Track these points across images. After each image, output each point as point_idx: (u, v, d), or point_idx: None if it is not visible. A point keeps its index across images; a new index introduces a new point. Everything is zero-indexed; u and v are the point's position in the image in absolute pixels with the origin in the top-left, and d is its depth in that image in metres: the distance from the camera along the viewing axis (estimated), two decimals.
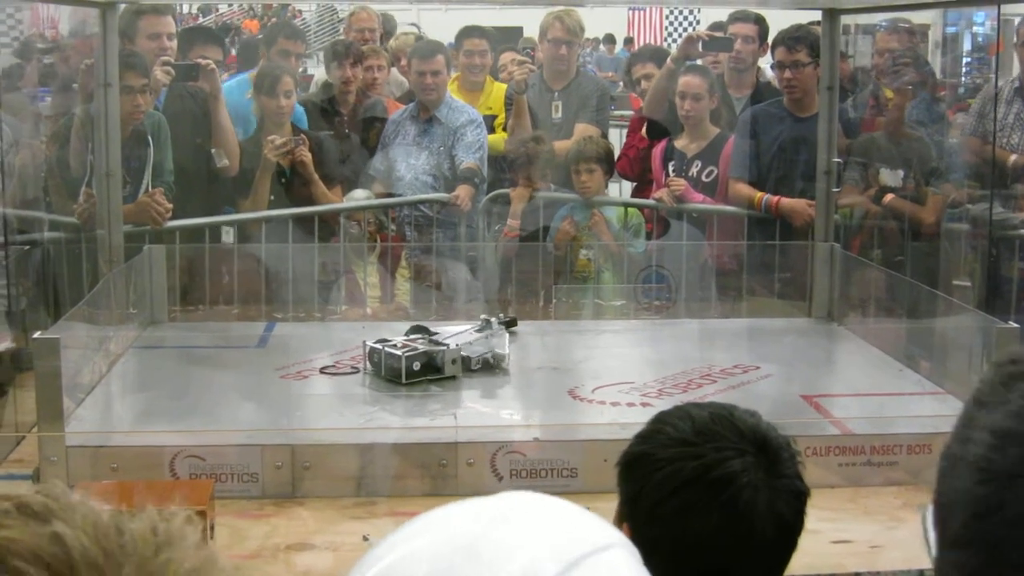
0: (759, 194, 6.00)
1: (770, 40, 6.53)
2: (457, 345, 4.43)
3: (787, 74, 5.96)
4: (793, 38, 5.95)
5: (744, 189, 6.04)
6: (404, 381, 4.35)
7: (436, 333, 4.68)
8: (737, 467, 1.93)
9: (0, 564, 0.94)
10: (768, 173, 6.04)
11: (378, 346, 4.45)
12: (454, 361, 4.37)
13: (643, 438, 2.04)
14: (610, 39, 19.16)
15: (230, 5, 18.13)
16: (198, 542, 1.03)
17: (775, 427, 2.05)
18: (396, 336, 4.61)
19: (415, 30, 8.66)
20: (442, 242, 6.24)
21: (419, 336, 4.55)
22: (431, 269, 6.18)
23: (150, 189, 5.59)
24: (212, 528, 2.99)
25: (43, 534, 0.96)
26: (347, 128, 6.47)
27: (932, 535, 1.18)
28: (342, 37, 7.84)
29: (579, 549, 1.12)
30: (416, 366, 4.35)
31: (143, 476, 3.66)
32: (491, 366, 4.56)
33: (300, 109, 6.37)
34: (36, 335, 3.83)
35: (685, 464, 1.95)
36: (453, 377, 4.38)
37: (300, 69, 6.82)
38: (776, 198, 5.96)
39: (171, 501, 2.95)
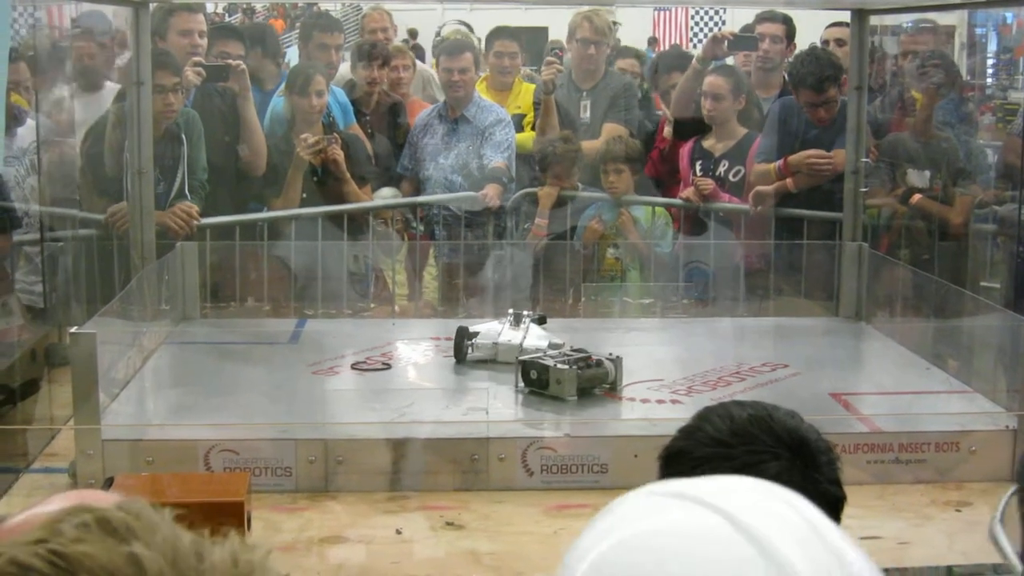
0: (772, 165, 6.01)
1: (796, 42, 6.55)
2: (571, 367, 4.30)
3: (821, 113, 5.91)
4: (820, 78, 5.85)
5: (762, 167, 6.03)
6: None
7: (477, 333, 4.76)
8: (771, 471, 1.90)
9: None
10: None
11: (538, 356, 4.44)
12: (559, 381, 4.27)
13: (684, 434, 2.03)
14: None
15: (251, 5, 18.08)
16: None
17: (816, 430, 2.02)
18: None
19: (464, 28, 8.59)
20: (470, 241, 6.26)
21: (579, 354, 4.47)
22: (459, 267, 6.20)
23: (186, 186, 5.63)
24: (250, 520, 3.02)
25: (120, 552, 0.94)
26: (370, 127, 6.49)
27: (1006, 543, 1.19)
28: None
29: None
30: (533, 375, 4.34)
31: (178, 469, 3.71)
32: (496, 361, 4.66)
33: (349, 104, 6.41)
34: (73, 330, 3.88)
35: (719, 465, 1.91)
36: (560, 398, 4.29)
37: (339, 62, 6.76)
38: (783, 159, 5.97)
39: (208, 493, 2.98)
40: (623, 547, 1.11)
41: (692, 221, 6.23)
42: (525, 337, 4.68)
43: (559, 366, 4.26)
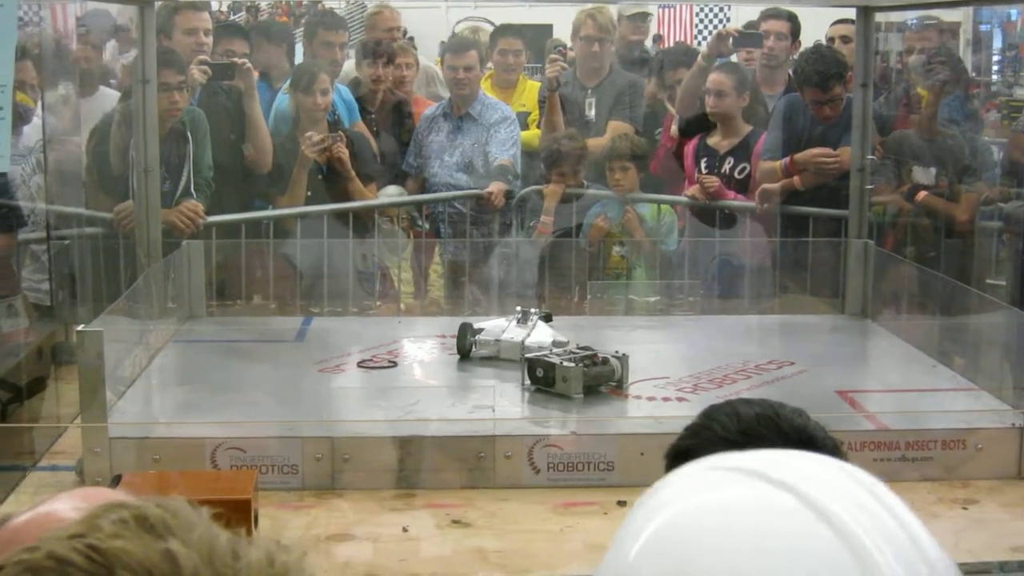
0: (778, 162, 6.01)
1: (801, 39, 6.55)
2: (577, 364, 4.29)
3: (827, 111, 5.91)
4: (825, 76, 5.84)
5: (768, 165, 6.03)
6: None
7: (481, 330, 4.75)
8: None
9: (108, 572, 0.93)
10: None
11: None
12: (565, 379, 4.26)
13: (691, 432, 2.03)
14: None
15: (255, 3, 18.07)
16: None
17: (823, 427, 2.02)
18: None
19: (487, 26, 8.55)
20: (476, 238, 6.27)
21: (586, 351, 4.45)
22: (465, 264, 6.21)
23: (191, 184, 5.63)
24: (257, 518, 3.03)
25: (156, 549, 0.95)
26: (376, 125, 6.50)
27: None
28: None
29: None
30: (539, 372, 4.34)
31: (184, 467, 3.71)
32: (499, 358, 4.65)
33: (354, 102, 6.41)
34: (80, 328, 3.88)
35: None
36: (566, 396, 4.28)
37: (344, 60, 6.76)
38: (789, 157, 5.97)
39: (215, 491, 3.00)
40: (682, 522, 1.07)
41: (718, 217, 6.20)
42: (529, 335, 4.68)
43: (565, 364, 4.25)
